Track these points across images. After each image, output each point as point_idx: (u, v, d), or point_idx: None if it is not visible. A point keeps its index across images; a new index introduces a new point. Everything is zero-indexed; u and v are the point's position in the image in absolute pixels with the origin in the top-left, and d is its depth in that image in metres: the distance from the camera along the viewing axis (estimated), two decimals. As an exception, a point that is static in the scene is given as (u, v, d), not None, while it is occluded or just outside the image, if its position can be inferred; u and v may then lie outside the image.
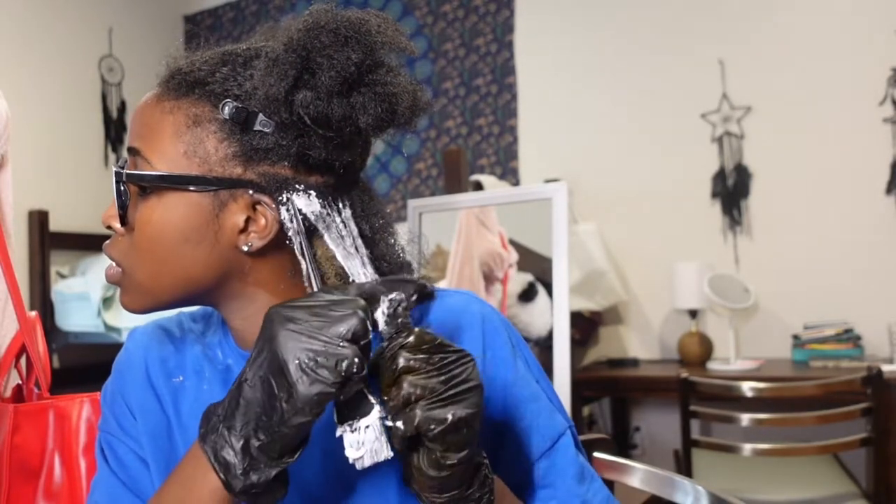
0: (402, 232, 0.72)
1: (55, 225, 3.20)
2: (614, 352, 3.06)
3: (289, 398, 0.52)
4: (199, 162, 0.62)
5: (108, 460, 0.72)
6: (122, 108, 3.64)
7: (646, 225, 3.03)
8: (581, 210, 3.02)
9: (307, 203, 0.63)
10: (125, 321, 2.84)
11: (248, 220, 0.64)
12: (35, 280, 3.09)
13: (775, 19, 2.84)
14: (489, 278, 2.32)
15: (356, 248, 0.65)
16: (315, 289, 0.63)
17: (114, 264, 0.67)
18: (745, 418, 1.94)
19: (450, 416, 0.52)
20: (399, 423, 0.53)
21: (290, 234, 0.63)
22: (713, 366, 2.68)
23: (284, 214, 0.63)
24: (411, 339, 0.54)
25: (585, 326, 2.84)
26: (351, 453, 0.55)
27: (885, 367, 2.02)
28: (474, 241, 2.30)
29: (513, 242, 2.42)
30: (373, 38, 0.60)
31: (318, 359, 0.51)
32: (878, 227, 2.66)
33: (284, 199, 0.63)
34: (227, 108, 0.62)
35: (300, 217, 0.63)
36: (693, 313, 2.83)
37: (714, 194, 2.94)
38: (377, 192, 0.71)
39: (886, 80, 2.66)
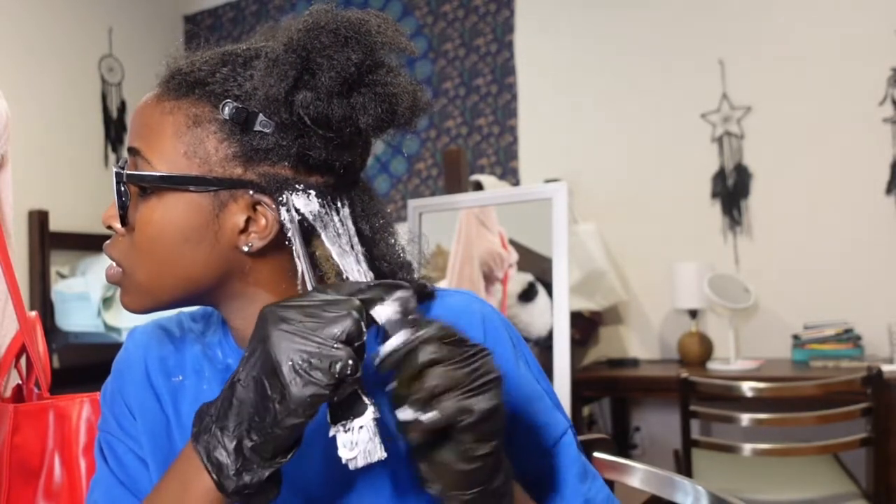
0: (402, 232, 0.72)
1: (55, 225, 3.20)
2: (614, 352, 3.06)
3: (282, 399, 0.52)
4: (200, 162, 0.62)
5: (108, 460, 0.72)
6: (122, 108, 3.64)
7: (646, 225, 3.03)
8: (581, 210, 3.02)
9: (306, 203, 0.63)
10: (125, 321, 2.84)
11: (248, 221, 0.64)
12: (35, 280, 3.09)
13: (775, 19, 2.84)
14: (489, 278, 2.32)
15: (351, 246, 0.64)
16: (309, 289, 0.63)
17: (114, 264, 0.67)
18: (745, 418, 1.94)
19: (482, 406, 0.52)
20: (429, 415, 0.52)
21: (289, 234, 0.63)
22: (713, 366, 2.68)
23: (284, 215, 0.63)
24: (432, 331, 0.54)
25: (585, 326, 2.84)
26: (344, 453, 0.55)
27: (885, 367, 2.02)
28: (474, 241, 2.30)
29: (513, 242, 2.41)
30: (373, 38, 0.60)
31: (312, 360, 0.51)
32: (878, 227, 2.66)
33: (284, 200, 0.62)
34: (227, 108, 0.61)
35: (299, 217, 0.63)
36: (693, 313, 2.83)
37: (714, 194, 2.94)
38: (377, 192, 0.71)
39: (886, 80, 2.66)
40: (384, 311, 0.55)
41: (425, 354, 0.53)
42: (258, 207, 0.63)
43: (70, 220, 3.28)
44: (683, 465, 2.12)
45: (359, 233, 0.66)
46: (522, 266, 2.44)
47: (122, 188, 0.65)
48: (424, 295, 0.69)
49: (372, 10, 0.63)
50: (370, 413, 0.55)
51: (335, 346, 0.52)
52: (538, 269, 2.36)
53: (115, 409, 0.73)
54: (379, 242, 0.68)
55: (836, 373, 2.34)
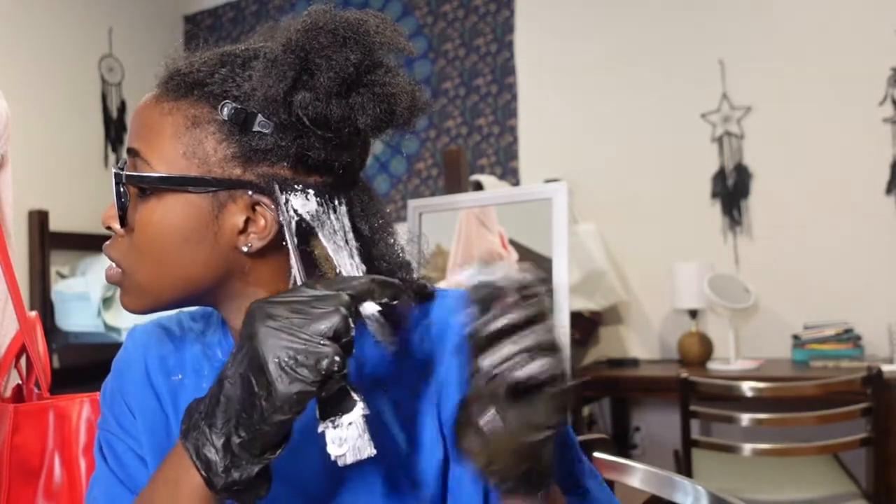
0: (402, 232, 0.72)
1: (55, 225, 3.20)
2: (614, 352, 3.06)
3: (268, 396, 0.52)
4: (199, 163, 0.62)
5: (107, 458, 0.72)
6: (122, 108, 3.64)
7: (646, 225, 3.03)
8: (581, 210, 3.02)
9: (305, 203, 0.63)
10: (125, 321, 2.84)
11: (247, 221, 0.64)
12: (35, 280, 3.09)
13: (775, 19, 2.84)
14: (489, 278, 2.32)
15: (346, 241, 0.65)
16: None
17: (113, 265, 0.67)
18: (745, 418, 1.94)
19: (566, 365, 0.51)
20: (539, 363, 0.50)
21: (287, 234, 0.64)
22: (713, 366, 2.68)
23: (283, 215, 0.63)
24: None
25: (585, 326, 2.84)
26: (333, 450, 0.54)
27: (885, 367, 2.02)
28: (474, 241, 2.30)
29: (513, 242, 2.41)
30: (371, 38, 0.60)
31: (298, 357, 0.51)
32: (878, 227, 2.66)
33: (283, 200, 0.62)
34: (225, 109, 0.61)
35: (297, 217, 0.63)
36: (693, 313, 2.83)
37: (714, 194, 2.94)
38: (377, 192, 0.71)
39: (886, 80, 2.66)
40: (370, 308, 0.55)
41: (503, 322, 0.51)
42: (257, 208, 0.63)
43: (70, 220, 3.28)
44: (683, 465, 2.12)
45: (358, 232, 0.66)
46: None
47: (122, 189, 0.65)
48: (424, 295, 0.69)
49: (370, 11, 0.63)
50: (359, 409, 0.54)
51: (322, 342, 0.51)
52: (538, 269, 2.36)
53: (115, 408, 0.74)
54: (378, 242, 0.67)
55: (836, 373, 2.34)
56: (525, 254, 2.42)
